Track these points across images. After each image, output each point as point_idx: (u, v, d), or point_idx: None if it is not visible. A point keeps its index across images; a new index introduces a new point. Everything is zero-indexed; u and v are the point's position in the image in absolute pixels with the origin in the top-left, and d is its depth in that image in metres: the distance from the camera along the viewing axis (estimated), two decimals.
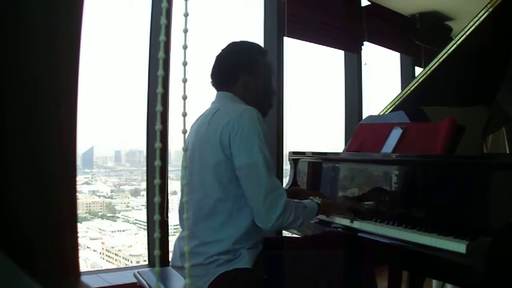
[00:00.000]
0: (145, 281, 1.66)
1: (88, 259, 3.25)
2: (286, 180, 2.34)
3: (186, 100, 0.60)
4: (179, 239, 1.58)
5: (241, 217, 1.41)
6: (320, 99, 3.79)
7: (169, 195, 2.58)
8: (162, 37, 0.55)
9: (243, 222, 1.41)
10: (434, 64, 2.16)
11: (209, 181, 1.41)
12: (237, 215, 1.41)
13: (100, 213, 3.49)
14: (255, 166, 1.37)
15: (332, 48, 3.61)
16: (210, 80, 1.59)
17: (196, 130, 1.52)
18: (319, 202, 1.56)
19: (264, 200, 1.36)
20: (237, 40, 1.59)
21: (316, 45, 3.42)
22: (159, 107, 0.56)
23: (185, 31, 0.58)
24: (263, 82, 1.58)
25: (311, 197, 1.58)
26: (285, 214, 1.38)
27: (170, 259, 1.62)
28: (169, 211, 2.54)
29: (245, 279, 1.38)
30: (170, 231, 2.58)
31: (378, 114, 2.25)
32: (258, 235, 1.46)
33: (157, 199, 0.56)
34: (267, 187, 1.37)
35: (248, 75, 1.54)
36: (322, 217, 1.75)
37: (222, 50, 1.58)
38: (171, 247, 1.63)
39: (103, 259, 3.31)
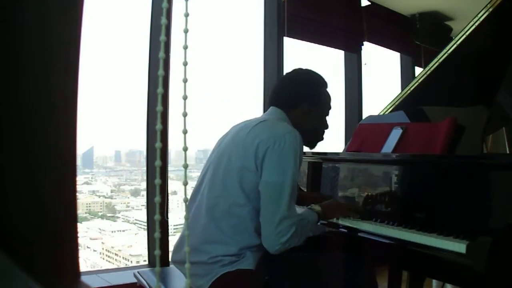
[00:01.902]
0: (145, 281, 1.66)
1: (88, 259, 3.25)
2: None
3: (186, 100, 0.60)
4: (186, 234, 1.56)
5: (250, 228, 1.40)
6: None
7: (169, 195, 2.58)
8: (162, 37, 0.55)
9: (251, 234, 1.40)
10: (434, 64, 2.16)
11: (231, 183, 1.41)
12: (250, 223, 1.40)
13: (100, 213, 3.49)
14: (281, 188, 1.35)
15: (332, 48, 3.61)
16: (270, 98, 1.63)
17: (235, 132, 1.52)
18: (319, 211, 1.53)
19: (277, 225, 1.34)
20: (306, 68, 1.65)
21: (316, 45, 3.43)
22: (159, 107, 0.56)
23: (186, 31, 0.58)
24: (321, 115, 1.63)
25: (310, 206, 1.55)
26: (292, 239, 1.37)
27: (170, 258, 1.62)
28: (169, 211, 2.54)
29: (247, 280, 1.37)
30: (170, 231, 2.58)
31: (378, 114, 2.25)
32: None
33: (158, 199, 0.56)
34: (284, 213, 1.35)
35: (310, 105, 1.58)
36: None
37: (289, 73, 1.65)
38: (171, 247, 1.63)
39: (103, 259, 3.31)
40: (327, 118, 1.67)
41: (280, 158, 1.37)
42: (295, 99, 1.58)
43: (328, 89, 1.67)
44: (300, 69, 1.65)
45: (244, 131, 1.46)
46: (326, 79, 1.66)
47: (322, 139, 1.68)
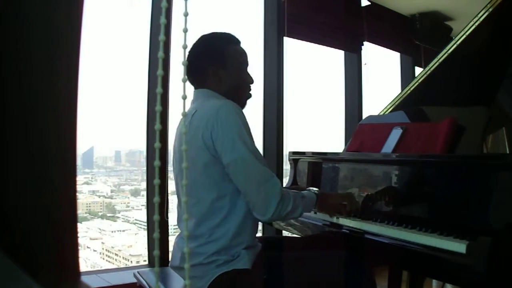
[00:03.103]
0: (145, 281, 1.66)
1: (88, 259, 3.25)
2: (286, 180, 2.33)
3: (186, 100, 0.60)
4: (179, 239, 1.57)
5: (236, 211, 1.40)
6: (320, 99, 3.80)
7: (169, 195, 2.58)
8: (161, 37, 0.55)
9: (238, 215, 1.40)
10: (434, 64, 2.16)
11: (201, 182, 1.40)
12: (234, 211, 1.40)
13: (100, 213, 3.49)
14: (242, 160, 1.35)
15: (332, 48, 3.61)
16: (188, 77, 1.55)
17: (179, 134, 1.51)
18: (317, 192, 1.54)
19: (258, 192, 1.35)
20: (208, 32, 1.54)
21: (316, 45, 3.43)
22: (158, 107, 0.56)
23: (185, 31, 0.58)
24: (234, 72, 1.52)
25: (309, 188, 1.56)
26: (283, 203, 1.37)
27: (170, 259, 1.62)
28: (169, 211, 2.54)
29: (245, 280, 1.37)
30: (170, 231, 2.58)
31: (378, 114, 2.25)
32: (254, 228, 1.46)
33: (156, 199, 0.56)
34: (259, 179, 1.36)
35: (217, 66, 1.49)
36: (325, 217, 1.74)
37: (193, 44, 1.54)
38: (171, 247, 1.63)
39: (103, 259, 3.31)
40: (248, 72, 1.56)
41: (225, 135, 1.35)
42: (201, 68, 1.49)
43: (242, 45, 1.55)
44: (202, 35, 1.54)
45: (185, 130, 1.43)
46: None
47: (249, 96, 1.58)
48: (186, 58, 1.61)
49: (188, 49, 1.41)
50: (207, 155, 1.37)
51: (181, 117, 0.60)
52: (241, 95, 1.55)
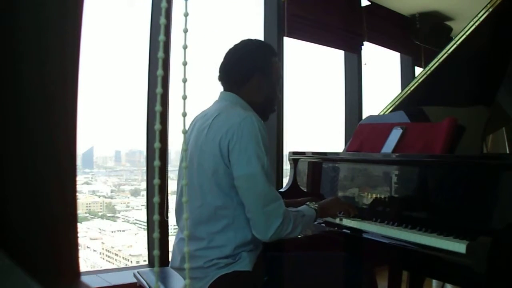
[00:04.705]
0: (145, 281, 1.66)
1: (88, 259, 3.25)
2: (286, 180, 2.33)
3: (186, 100, 0.60)
4: (179, 241, 1.57)
5: (242, 223, 1.39)
6: (320, 99, 3.80)
7: (169, 195, 2.58)
8: (161, 37, 0.55)
9: (244, 228, 1.39)
10: (434, 64, 2.16)
11: (208, 187, 1.39)
12: (238, 221, 1.39)
13: (100, 213, 3.49)
14: (253, 177, 1.34)
15: (332, 48, 3.61)
16: (219, 74, 1.55)
17: (196, 133, 1.49)
18: (316, 208, 1.53)
19: (262, 212, 1.34)
20: (252, 38, 1.57)
21: (316, 45, 3.42)
22: (158, 107, 0.56)
23: (185, 31, 0.58)
24: (274, 85, 1.56)
25: (307, 203, 1.55)
26: (283, 225, 1.36)
27: (170, 260, 1.62)
28: (169, 211, 2.54)
29: (245, 281, 1.37)
30: (170, 231, 2.58)
31: (378, 114, 2.25)
32: (259, 240, 1.45)
33: (156, 199, 0.56)
34: (265, 199, 1.35)
35: (262, 76, 1.51)
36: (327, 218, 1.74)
37: (236, 46, 1.54)
38: (171, 247, 1.63)
39: (103, 259, 3.31)
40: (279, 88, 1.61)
41: (242, 148, 1.35)
42: (246, 73, 1.50)
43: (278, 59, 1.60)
44: (244, 40, 1.56)
45: (203, 131, 1.42)
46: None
47: (274, 110, 1.63)
48: (227, 61, 1.60)
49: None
50: (219, 162, 1.37)
51: (182, 117, 0.60)
52: (270, 108, 1.59)
